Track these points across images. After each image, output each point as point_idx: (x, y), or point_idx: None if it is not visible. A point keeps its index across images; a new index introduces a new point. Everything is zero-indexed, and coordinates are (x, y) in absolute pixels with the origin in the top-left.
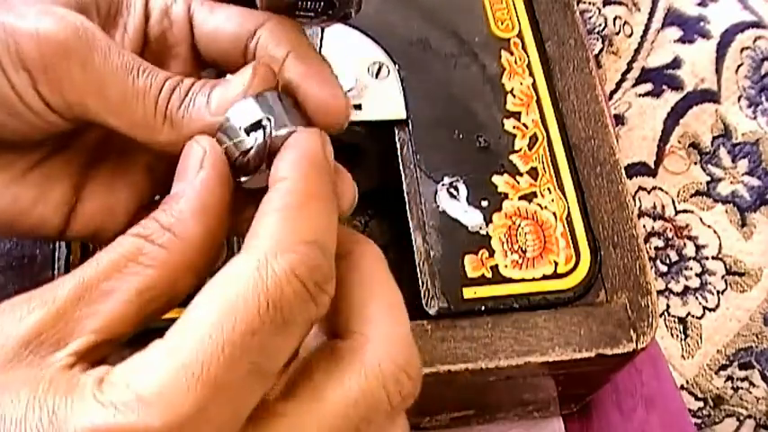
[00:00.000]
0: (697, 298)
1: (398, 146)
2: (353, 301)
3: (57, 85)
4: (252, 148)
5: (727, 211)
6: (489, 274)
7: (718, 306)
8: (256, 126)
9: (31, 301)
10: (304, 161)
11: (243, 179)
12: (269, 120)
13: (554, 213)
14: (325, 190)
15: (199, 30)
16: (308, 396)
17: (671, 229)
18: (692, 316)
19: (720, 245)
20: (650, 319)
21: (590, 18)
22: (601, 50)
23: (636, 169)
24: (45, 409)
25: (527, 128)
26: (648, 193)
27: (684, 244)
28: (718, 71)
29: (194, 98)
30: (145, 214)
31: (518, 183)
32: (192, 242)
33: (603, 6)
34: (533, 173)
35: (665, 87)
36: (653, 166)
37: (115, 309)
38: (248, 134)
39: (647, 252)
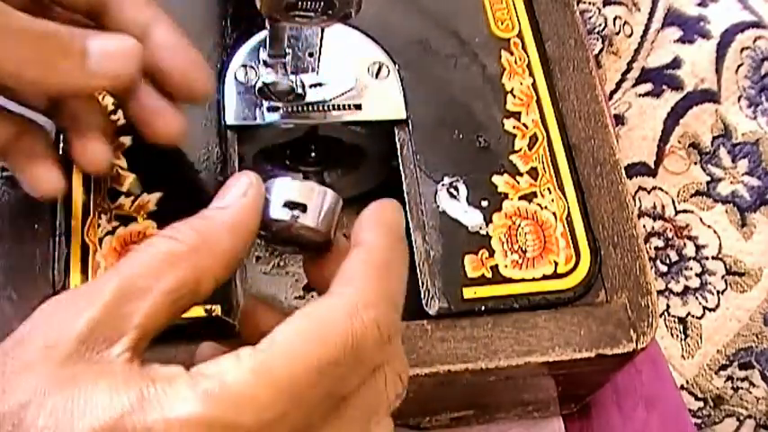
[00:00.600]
0: (697, 298)
1: (398, 146)
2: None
3: None
4: (277, 218)
5: (727, 211)
6: (489, 274)
7: (718, 306)
8: (290, 205)
9: (78, 301)
10: (391, 229)
11: (262, 232)
12: (304, 207)
13: (554, 213)
14: (404, 258)
15: None
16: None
17: (671, 229)
18: (692, 316)
19: (720, 245)
20: (650, 319)
21: (590, 18)
22: (601, 50)
23: (636, 169)
24: (135, 398)
25: (527, 128)
26: (648, 193)
27: (684, 244)
28: (718, 71)
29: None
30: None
31: (518, 183)
32: (221, 253)
33: (603, 6)
34: (533, 173)
35: (665, 87)
36: (653, 166)
37: (152, 306)
38: (281, 207)
39: (647, 252)
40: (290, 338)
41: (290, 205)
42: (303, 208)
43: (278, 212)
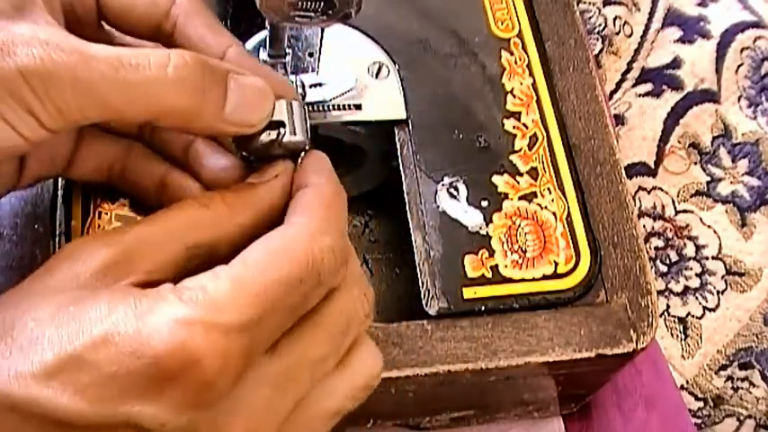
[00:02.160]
0: (697, 298)
1: (398, 146)
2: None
3: (54, 112)
4: (265, 141)
5: (727, 211)
6: (489, 274)
7: (718, 306)
8: (273, 125)
9: (97, 242)
10: (330, 171)
11: (244, 153)
12: (284, 125)
13: (554, 213)
14: (344, 197)
15: (106, 7)
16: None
17: (671, 229)
18: (692, 316)
19: (720, 245)
20: (650, 320)
21: (590, 18)
22: (601, 50)
23: (636, 169)
24: (128, 308)
25: (527, 128)
26: (648, 193)
27: (684, 244)
28: (718, 71)
29: None
30: None
31: (518, 183)
32: (242, 226)
33: (603, 6)
34: (533, 173)
35: (665, 87)
36: (653, 166)
37: (166, 258)
38: (264, 129)
39: (648, 252)
40: (260, 257)
41: (271, 125)
42: (281, 124)
43: (261, 136)
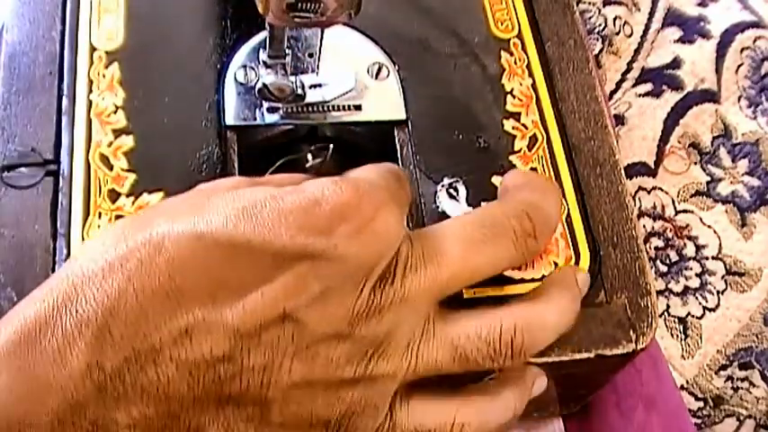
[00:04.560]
0: (697, 298)
1: (398, 146)
2: None
3: None
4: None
5: (727, 211)
6: None
7: (718, 306)
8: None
9: (181, 198)
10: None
11: None
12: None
13: None
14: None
15: None
16: None
17: (671, 229)
18: (692, 316)
19: (720, 245)
20: (650, 320)
21: (590, 18)
22: (601, 50)
23: (636, 169)
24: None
25: (527, 128)
26: (648, 193)
27: (684, 244)
28: (718, 71)
29: None
30: None
31: None
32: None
33: (603, 6)
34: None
35: (665, 87)
36: (653, 166)
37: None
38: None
39: (647, 252)
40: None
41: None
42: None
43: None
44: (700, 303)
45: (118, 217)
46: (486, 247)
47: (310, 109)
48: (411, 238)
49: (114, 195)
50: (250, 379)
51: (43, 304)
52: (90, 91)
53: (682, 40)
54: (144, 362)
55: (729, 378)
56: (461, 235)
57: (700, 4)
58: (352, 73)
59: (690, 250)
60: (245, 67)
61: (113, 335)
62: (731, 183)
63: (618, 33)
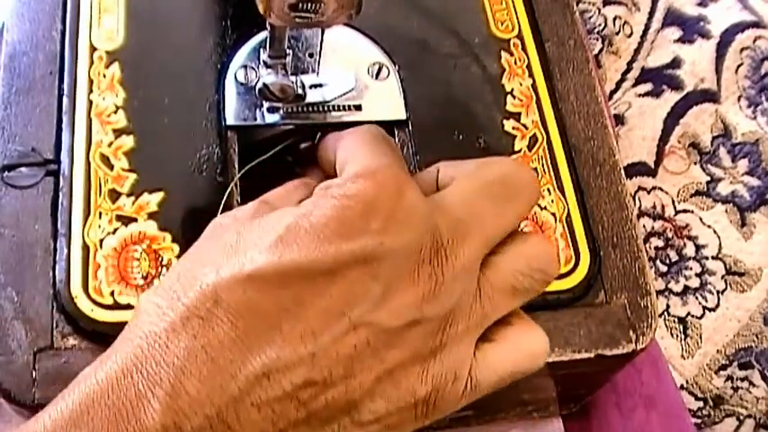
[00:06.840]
0: (697, 298)
1: (398, 146)
2: None
3: None
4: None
5: (727, 211)
6: None
7: (718, 306)
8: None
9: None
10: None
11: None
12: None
13: (554, 214)
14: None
15: None
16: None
17: (671, 229)
18: (692, 316)
19: (720, 245)
20: (650, 320)
21: (590, 18)
22: (601, 50)
23: (636, 169)
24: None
25: (527, 129)
26: (648, 193)
27: (684, 244)
28: (718, 71)
29: None
30: None
31: None
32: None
33: (603, 6)
34: None
35: (665, 87)
36: (653, 166)
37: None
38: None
39: (647, 252)
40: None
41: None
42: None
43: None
44: (700, 303)
45: (118, 217)
46: (507, 202)
47: (311, 109)
48: (438, 208)
49: (115, 195)
50: (333, 393)
51: (113, 366)
52: (90, 91)
53: (682, 40)
54: (226, 415)
55: (729, 378)
56: (486, 193)
57: (700, 4)
58: (352, 73)
59: (690, 250)
60: (245, 67)
61: (189, 393)
62: (731, 183)
63: (618, 33)
